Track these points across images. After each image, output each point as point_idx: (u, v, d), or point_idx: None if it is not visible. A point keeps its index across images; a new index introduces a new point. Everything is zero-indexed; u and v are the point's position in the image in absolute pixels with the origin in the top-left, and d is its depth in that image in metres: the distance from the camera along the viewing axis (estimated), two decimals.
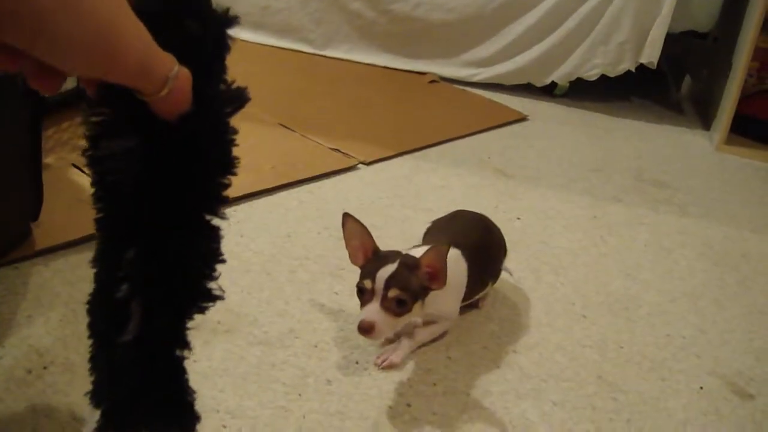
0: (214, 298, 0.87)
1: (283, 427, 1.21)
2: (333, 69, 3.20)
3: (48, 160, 1.87)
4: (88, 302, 0.87)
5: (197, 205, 0.84)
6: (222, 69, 0.82)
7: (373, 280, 1.28)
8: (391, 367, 1.38)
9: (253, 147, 2.20)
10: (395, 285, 1.27)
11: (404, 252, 1.36)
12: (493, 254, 1.61)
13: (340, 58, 3.28)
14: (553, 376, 1.43)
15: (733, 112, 2.77)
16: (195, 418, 0.92)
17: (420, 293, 1.32)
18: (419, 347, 1.45)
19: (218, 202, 0.84)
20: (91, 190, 0.82)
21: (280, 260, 1.68)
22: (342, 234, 1.36)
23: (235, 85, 0.83)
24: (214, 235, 0.86)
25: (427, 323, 1.46)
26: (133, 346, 0.84)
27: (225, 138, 0.83)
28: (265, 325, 1.46)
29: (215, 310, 1.46)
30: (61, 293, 1.46)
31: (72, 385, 1.23)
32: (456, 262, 1.43)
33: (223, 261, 0.87)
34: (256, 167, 2.08)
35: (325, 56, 3.30)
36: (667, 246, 2.01)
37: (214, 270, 0.87)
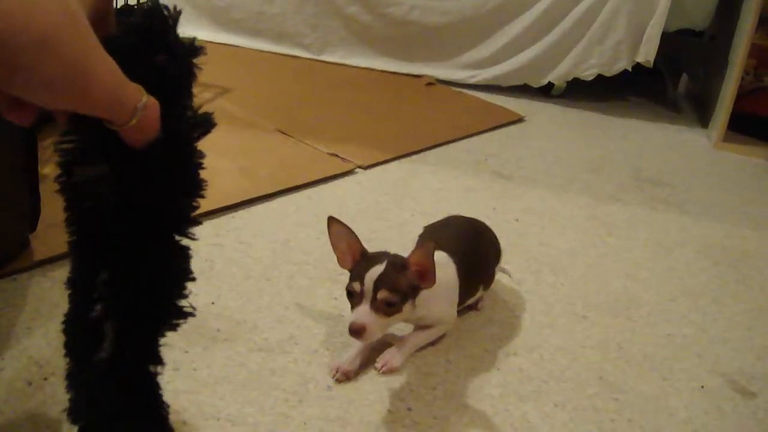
0: (185, 315, 0.91)
1: None
2: (329, 74, 3.20)
3: (45, 170, 1.87)
4: (64, 322, 0.90)
5: (167, 227, 0.86)
6: (189, 96, 0.85)
7: (362, 282, 1.29)
8: (391, 371, 1.38)
9: (250, 153, 2.20)
10: (384, 286, 1.28)
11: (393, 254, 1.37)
12: (484, 259, 1.60)
13: (336, 63, 3.29)
14: (554, 378, 1.43)
15: (731, 110, 2.78)
16: (169, 430, 0.95)
17: (410, 293, 1.32)
18: (418, 350, 1.44)
19: (187, 223, 0.87)
20: (63, 216, 0.85)
21: (279, 266, 1.68)
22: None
23: (201, 111, 0.85)
24: (184, 255, 0.89)
25: (424, 327, 1.46)
26: (108, 364, 0.86)
27: (192, 162, 0.85)
28: (265, 332, 1.46)
29: (214, 318, 1.47)
30: (60, 304, 1.44)
31: None
32: (444, 266, 1.43)
33: (193, 279, 0.90)
34: (254, 173, 2.08)
35: (321, 61, 3.30)
36: (667, 245, 2.01)
37: (185, 288, 0.90)
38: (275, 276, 1.64)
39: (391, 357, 1.39)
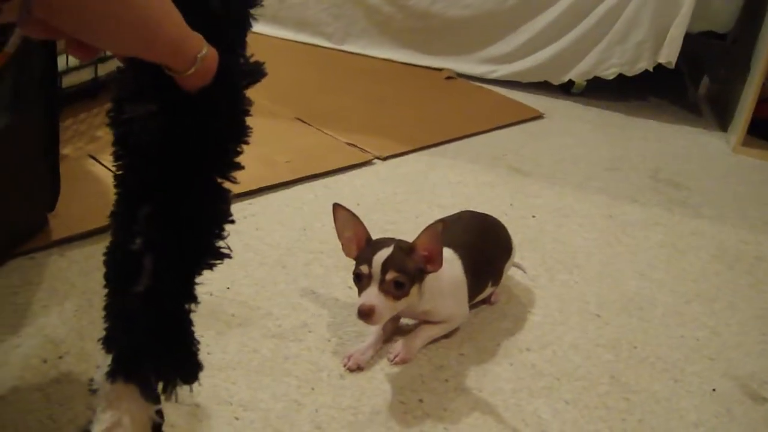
0: (222, 256, 0.94)
1: (296, 420, 1.22)
2: (350, 64, 3.20)
3: (65, 150, 1.88)
4: (105, 254, 0.93)
5: (210, 169, 0.90)
6: (243, 45, 0.89)
7: (370, 265, 1.29)
8: (403, 362, 1.38)
9: (269, 141, 2.20)
10: (392, 267, 1.29)
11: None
12: (492, 255, 1.59)
13: (357, 53, 3.28)
14: (566, 375, 1.43)
15: (751, 114, 2.76)
16: (198, 366, 0.98)
17: (417, 276, 1.33)
18: (431, 343, 1.45)
19: (230, 167, 0.91)
20: (112, 149, 0.89)
21: (295, 254, 1.69)
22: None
23: (253, 60, 0.89)
24: (224, 197, 0.92)
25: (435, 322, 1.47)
26: (144, 298, 0.90)
27: (240, 108, 0.89)
28: (279, 318, 1.46)
29: (229, 303, 1.48)
30: (76, 283, 1.47)
31: (87, 375, 1.23)
32: (450, 262, 1.44)
33: (232, 221, 0.93)
34: (272, 161, 2.09)
35: (342, 51, 3.30)
36: (682, 247, 2.00)
37: (223, 230, 0.93)
38: (291, 263, 1.65)
39: (403, 348, 1.40)
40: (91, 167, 1.86)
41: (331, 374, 1.34)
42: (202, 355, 1.28)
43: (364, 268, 1.30)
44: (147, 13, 0.73)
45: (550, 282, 1.74)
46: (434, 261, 1.33)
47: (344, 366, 1.36)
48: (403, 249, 1.32)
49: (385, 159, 2.26)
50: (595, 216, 2.11)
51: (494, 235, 1.62)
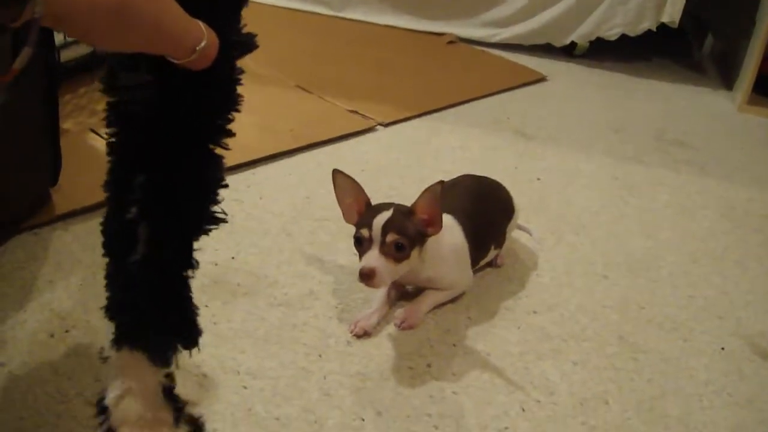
0: (218, 221, 0.96)
1: (304, 387, 1.21)
2: (351, 31, 3.17)
3: (66, 125, 1.87)
4: (102, 223, 0.95)
5: (204, 137, 0.92)
6: (238, 20, 0.90)
7: (370, 228, 1.29)
8: (410, 327, 1.38)
9: (271, 109, 2.19)
10: (392, 230, 1.28)
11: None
12: (493, 218, 1.58)
13: (357, 20, 3.26)
14: (573, 337, 1.42)
15: (756, 72, 2.73)
16: (198, 332, 0.99)
17: (417, 238, 1.32)
18: (438, 307, 1.44)
19: (223, 134, 0.93)
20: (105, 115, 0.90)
21: (299, 222, 1.68)
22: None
23: (245, 31, 0.91)
24: (217, 163, 0.94)
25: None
26: (142, 265, 0.91)
27: (232, 77, 0.91)
28: (285, 287, 1.46)
29: (234, 272, 1.47)
30: (81, 257, 1.46)
31: (94, 348, 1.23)
32: (450, 228, 1.43)
33: (225, 186, 0.95)
34: (274, 130, 2.07)
35: (342, 18, 3.27)
36: (689, 207, 1.99)
37: (218, 195, 0.95)
38: (295, 232, 1.64)
39: (409, 313, 1.40)
40: (93, 141, 1.85)
41: (338, 341, 1.33)
42: (209, 325, 1.28)
43: (365, 232, 1.30)
44: (151, 18, 0.75)
45: (557, 244, 1.73)
46: (434, 223, 1.33)
47: (351, 332, 1.35)
48: (403, 212, 1.32)
49: (387, 125, 2.24)
50: (600, 177, 2.09)
51: (494, 198, 1.61)
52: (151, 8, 0.75)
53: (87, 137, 1.86)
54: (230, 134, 0.93)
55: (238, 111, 0.92)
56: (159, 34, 0.77)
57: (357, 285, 1.46)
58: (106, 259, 0.95)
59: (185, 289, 0.97)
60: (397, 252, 1.29)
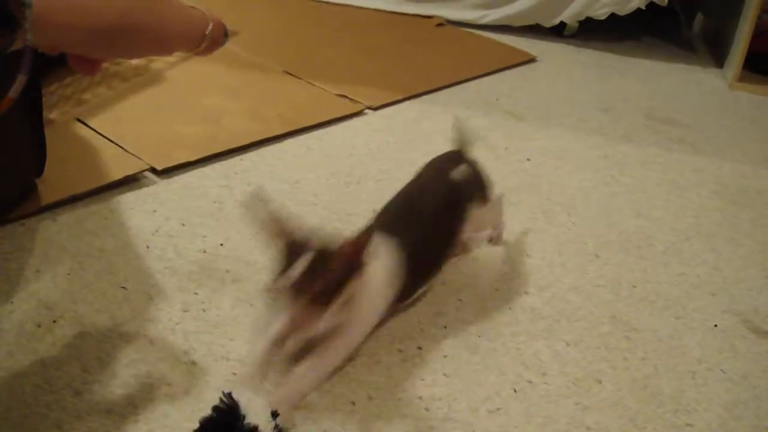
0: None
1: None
2: (338, 15, 3.15)
3: (51, 115, 1.86)
4: None
5: None
6: None
7: (288, 278, 1.08)
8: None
9: (259, 95, 2.17)
10: (309, 282, 1.08)
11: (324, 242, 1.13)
12: (448, 228, 1.40)
13: (346, 4, 3.23)
14: (565, 316, 1.42)
15: (746, 50, 2.73)
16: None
17: (338, 287, 1.11)
18: (427, 290, 1.43)
19: None
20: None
21: (288, 207, 1.67)
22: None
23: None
24: None
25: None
26: None
27: None
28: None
29: (223, 259, 1.46)
30: (68, 247, 1.45)
31: (81, 338, 1.22)
32: (380, 257, 1.21)
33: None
34: (262, 115, 2.06)
35: (328, 2, 3.25)
36: (681, 184, 1.98)
37: None
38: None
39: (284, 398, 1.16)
40: (79, 130, 1.83)
41: None
42: (198, 312, 1.27)
43: (282, 281, 1.09)
44: (153, 27, 0.75)
45: (548, 224, 1.72)
46: (357, 271, 1.13)
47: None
48: (324, 257, 1.10)
49: (376, 109, 2.23)
50: (591, 157, 2.08)
51: (458, 191, 1.43)
52: (151, 19, 0.73)
53: (73, 126, 1.84)
54: None
55: None
56: (164, 39, 0.77)
57: None
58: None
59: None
60: (316, 304, 1.09)
